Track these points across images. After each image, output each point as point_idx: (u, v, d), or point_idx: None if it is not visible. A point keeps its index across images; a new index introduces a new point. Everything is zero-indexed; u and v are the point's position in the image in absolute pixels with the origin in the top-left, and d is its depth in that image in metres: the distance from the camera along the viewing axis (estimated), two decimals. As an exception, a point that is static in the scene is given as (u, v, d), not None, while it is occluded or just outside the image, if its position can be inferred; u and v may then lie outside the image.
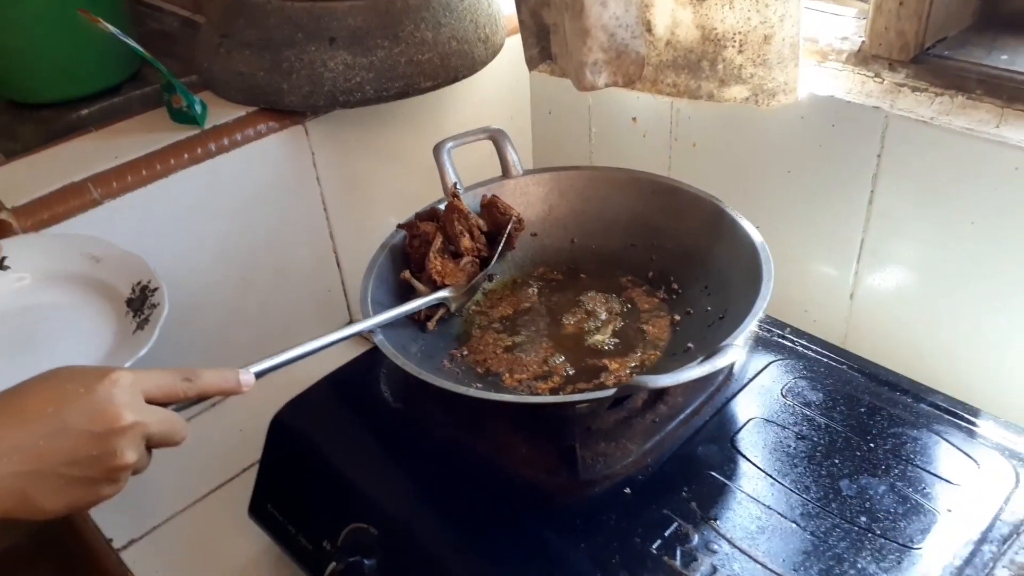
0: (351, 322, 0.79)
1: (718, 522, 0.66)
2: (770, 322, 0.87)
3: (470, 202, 0.89)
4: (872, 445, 0.71)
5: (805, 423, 0.74)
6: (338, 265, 1.13)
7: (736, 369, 0.81)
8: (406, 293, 0.84)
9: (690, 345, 0.80)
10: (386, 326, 0.77)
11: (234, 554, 0.86)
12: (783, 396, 0.77)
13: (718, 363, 0.65)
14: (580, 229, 0.94)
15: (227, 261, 1.01)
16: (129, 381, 0.56)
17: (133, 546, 0.89)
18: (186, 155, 0.94)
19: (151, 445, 0.58)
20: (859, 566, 0.62)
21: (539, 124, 1.27)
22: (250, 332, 1.07)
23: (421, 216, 0.89)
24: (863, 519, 0.65)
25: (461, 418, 0.77)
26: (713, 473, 0.70)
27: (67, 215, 0.87)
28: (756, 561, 0.63)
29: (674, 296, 0.88)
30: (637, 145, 1.11)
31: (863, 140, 0.87)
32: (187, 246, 0.97)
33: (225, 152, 0.96)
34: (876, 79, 0.89)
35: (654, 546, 0.64)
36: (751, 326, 0.70)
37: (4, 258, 0.82)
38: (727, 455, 0.72)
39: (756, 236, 0.80)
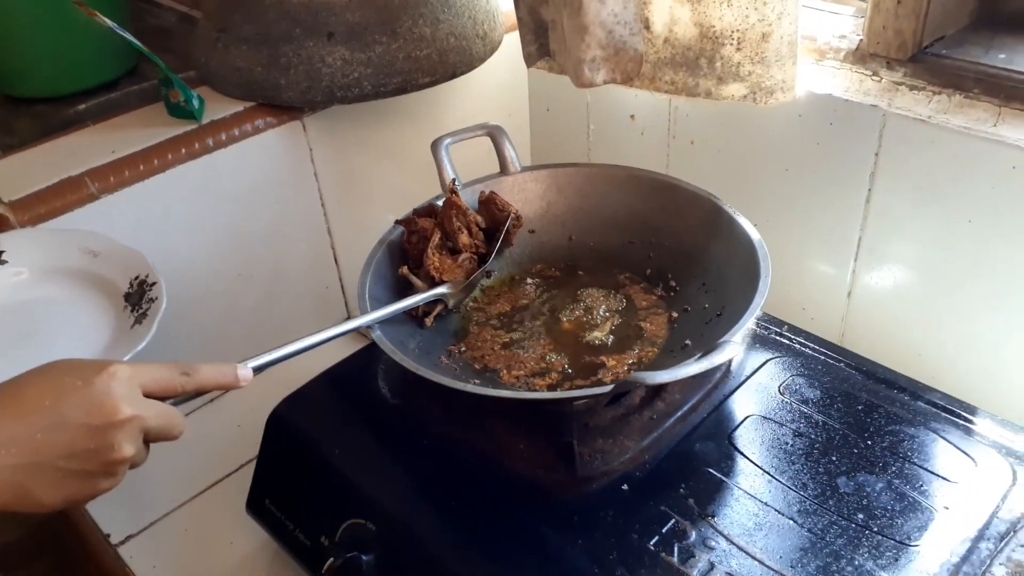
0: (349, 318, 0.79)
1: (715, 519, 0.66)
2: (768, 320, 0.87)
3: (468, 198, 0.89)
4: (869, 442, 0.72)
5: (803, 420, 0.74)
6: (336, 261, 1.13)
7: (734, 366, 0.81)
8: (404, 289, 0.84)
9: (688, 342, 0.80)
10: (384, 322, 0.77)
11: (232, 550, 0.86)
12: (781, 393, 0.77)
13: (715, 360, 0.65)
14: (578, 226, 0.94)
15: (224, 256, 1.01)
16: (127, 374, 0.56)
17: (131, 541, 0.89)
18: (183, 150, 0.94)
19: (149, 439, 0.58)
20: (856, 563, 0.62)
21: (537, 121, 1.27)
22: (247, 327, 1.07)
23: (419, 212, 0.89)
24: (860, 516, 0.65)
25: (459, 414, 0.77)
26: (711, 470, 0.70)
27: (64, 209, 0.87)
28: (753, 558, 0.63)
29: (672, 293, 0.88)
30: (635, 142, 1.11)
31: (861, 138, 0.87)
32: (184, 241, 0.97)
33: (223, 147, 0.96)
34: (874, 77, 0.89)
35: (651, 543, 0.64)
36: (749, 323, 0.70)
37: (2, 252, 0.82)
38: (725, 452, 0.72)
39: (754, 234, 0.80)
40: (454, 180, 0.89)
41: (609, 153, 1.17)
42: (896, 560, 0.62)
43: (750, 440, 0.73)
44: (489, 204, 0.90)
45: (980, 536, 0.64)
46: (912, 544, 0.63)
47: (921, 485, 0.68)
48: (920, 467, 0.69)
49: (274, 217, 1.04)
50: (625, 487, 0.69)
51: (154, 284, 0.79)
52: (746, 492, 0.68)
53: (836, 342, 0.85)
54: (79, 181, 0.88)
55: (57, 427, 0.53)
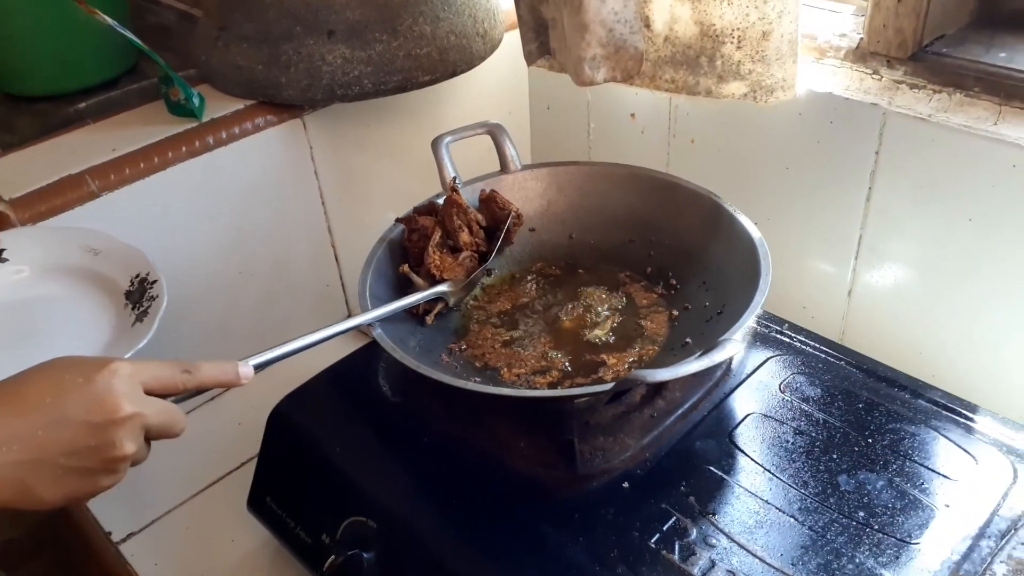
0: (349, 316, 0.79)
1: (716, 517, 0.66)
2: (768, 318, 0.87)
3: (468, 197, 0.89)
4: (870, 440, 0.72)
5: (803, 418, 0.74)
6: (336, 259, 1.13)
7: (734, 364, 0.81)
8: (404, 287, 0.84)
9: (688, 340, 0.80)
10: (384, 320, 0.77)
11: (233, 547, 0.86)
12: (781, 392, 0.77)
13: (716, 357, 0.65)
14: (578, 224, 0.94)
15: (225, 254, 1.01)
16: (128, 372, 0.56)
17: (132, 539, 0.89)
18: (184, 148, 0.94)
19: (150, 437, 0.58)
20: (857, 561, 0.62)
21: (537, 119, 1.27)
22: (248, 326, 1.07)
23: (419, 210, 0.89)
24: (861, 514, 0.65)
25: (459, 412, 0.77)
26: (711, 468, 0.70)
27: (65, 207, 0.87)
28: (754, 555, 0.63)
29: (672, 292, 0.88)
30: (635, 141, 1.11)
31: (861, 137, 0.87)
32: (185, 239, 0.97)
33: (223, 145, 0.96)
34: (874, 76, 0.89)
35: (652, 540, 0.64)
36: (749, 321, 0.70)
37: (3, 250, 0.82)
38: (725, 450, 0.72)
39: (754, 232, 0.80)
40: (455, 178, 0.89)
41: (609, 151, 1.17)
42: (897, 558, 0.62)
43: (751, 438, 0.73)
44: (490, 202, 0.90)
45: (981, 534, 0.64)
46: (913, 542, 0.63)
47: (922, 483, 0.68)
48: (921, 465, 0.69)
49: (274, 215, 1.04)
50: (626, 485, 0.69)
51: (155, 282, 0.79)
52: (747, 490, 0.68)
53: (837, 340, 0.85)
54: (79, 179, 0.88)
55: (58, 424, 0.53)
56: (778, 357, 0.81)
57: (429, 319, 0.84)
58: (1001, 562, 0.62)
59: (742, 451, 0.72)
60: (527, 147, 1.29)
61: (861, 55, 0.90)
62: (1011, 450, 0.71)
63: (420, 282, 0.84)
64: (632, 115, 1.10)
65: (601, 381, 0.78)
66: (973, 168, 0.80)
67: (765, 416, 0.75)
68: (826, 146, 0.91)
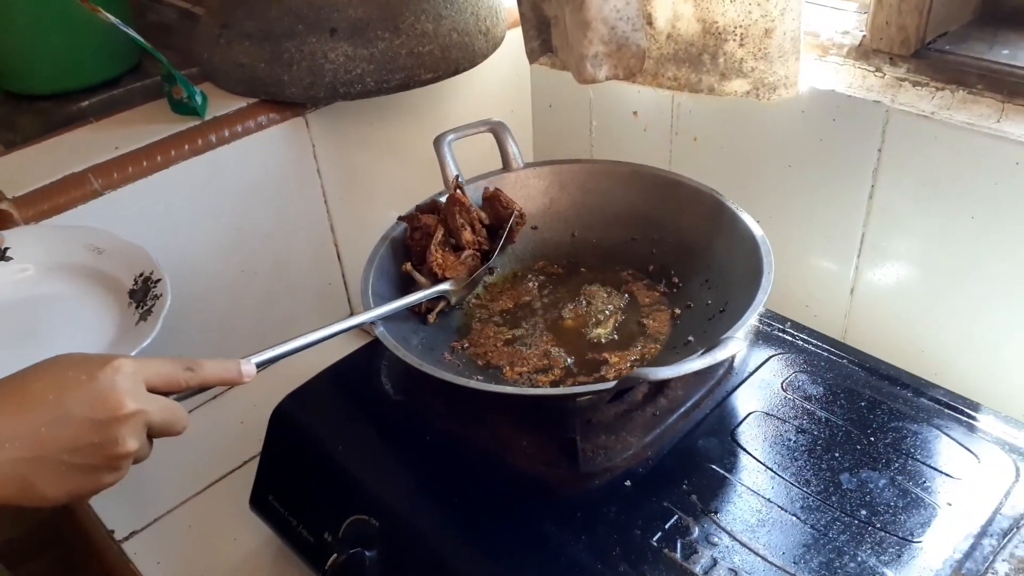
0: (351, 314, 0.79)
1: (718, 515, 0.66)
2: (770, 316, 0.87)
3: (471, 195, 0.89)
4: (872, 439, 0.72)
5: (805, 417, 0.74)
6: (338, 257, 1.13)
7: (736, 363, 0.81)
8: (406, 285, 0.84)
9: (690, 338, 0.80)
10: (387, 318, 0.77)
11: (235, 546, 0.86)
12: (783, 390, 0.77)
13: (719, 355, 0.65)
14: (581, 222, 0.94)
15: (227, 253, 1.01)
16: (131, 369, 0.56)
17: (134, 537, 0.89)
18: (187, 146, 0.94)
19: (152, 434, 0.58)
20: (859, 559, 0.62)
21: (540, 117, 1.27)
22: (250, 324, 1.07)
23: (422, 208, 0.89)
24: (863, 512, 0.65)
25: (462, 411, 0.77)
26: (713, 466, 0.70)
27: (68, 206, 0.87)
28: (756, 554, 0.63)
29: (674, 290, 0.88)
30: (638, 139, 1.11)
31: (864, 134, 0.87)
32: (187, 237, 0.97)
33: (226, 143, 0.96)
34: (877, 73, 0.89)
35: (654, 539, 0.64)
36: (751, 319, 0.70)
37: (7, 249, 0.82)
38: (727, 448, 0.72)
39: (757, 230, 0.80)
40: (457, 176, 0.89)
41: (611, 149, 1.17)
42: (899, 556, 0.62)
43: (753, 436, 0.73)
44: (493, 201, 0.90)
45: (983, 532, 0.64)
46: (915, 540, 0.63)
47: (924, 481, 0.68)
48: (923, 464, 0.69)
49: (277, 213, 1.04)
50: (628, 483, 0.69)
51: (159, 281, 0.79)
52: (749, 488, 0.68)
53: (839, 339, 0.85)
54: (82, 177, 0.88)
55: (61, 421, 0.53)
56: (780, 355, 0.81)
57: (431, 317, 0.84)
58: (1003, 560, 0.62)
59: (744, 449, 0.71)
60: (529, 145, 1.29)
61: (864, 52, 0.90)
62: (1013, 448, 0.70)
63: (422, 280, 0.84)
64: (634, 113, 1.10)
65: (603, 379, 0.78)
66: (976, 166, 0.80)
67: (767, 414, 0.75)
68: (829, 144, 0.91)
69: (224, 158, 0.96)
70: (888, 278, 0.92)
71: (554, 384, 0.78)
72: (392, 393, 0.81)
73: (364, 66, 0.97)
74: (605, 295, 0.88)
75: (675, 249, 0.89)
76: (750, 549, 0.63)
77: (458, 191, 0.87)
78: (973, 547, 0.63)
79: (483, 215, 0.89)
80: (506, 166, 0.94)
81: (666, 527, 0.65)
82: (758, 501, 0.67)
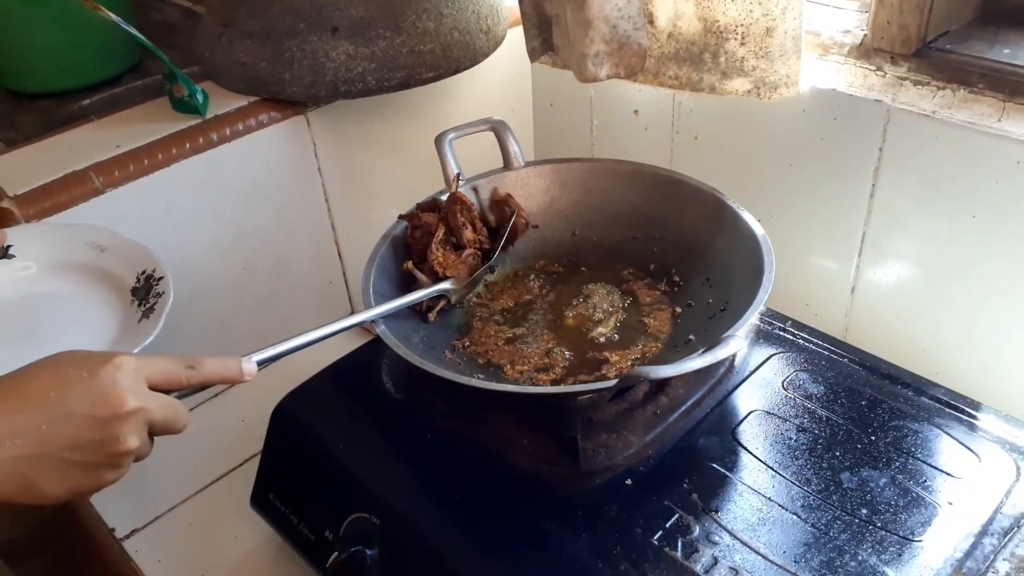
0: (352, 313, 0.79)
1: (719, 514, 0.66)
2: (771, 315, 0.87)
3: (472, 194, 0.89)
4: (873, 438, 0.72)
5: (806, 416, 0.74)
6: (339, 256, 1.13)
7: (737, 362, 0.81)
8: (407, 284, 0.84)
9: (691, 337, 0.80)
10: (388, 317, 0.77)
11: (236, 544, 0.87)
12: (784, 389, 0.77)
13: (719, 354, 0.65)
14: (581, 221, 0.94)
15: (228, 251, 1.01)
16: (132, 366, 0.56)
17: (135, 535, 0.89)
18: (188, 144, 0.94)
19: (153, 432, 0.58)
20: (860, 558, 0.62)
21: (541, 116, 1.27)
22: (251, 322, 1.07)
23: (422, 207, 0.89)
24: (864, 511, 0.65)
25: (463, 409, 0.77)
26: (714, 465, 0.70)
27: (69, 204, 0.87)
28: (757, 553, 0.63)
29: (675, 289, 0.88)
30: (639, 138, 1.11)
31: (865, 133, 0.87)
32: (188, 236, 0.97)
33: (227, 142, 0.96)
34: (878, 72, 0.89)
35: (655, 537, 0.64)
36: (752, 318, 0.70)
37: (9, 247, 0.82)
38: (728, 447, 0.72)
39: (758, 228, 0.80)
40: (458, 175, 0.89)
41: (612, 148, 1.17)
42: (900, 555, 0.62)
43: (754, 435, 0.73)
44: (503, 205, 0.90)
45: (984, 531, 0.64)
46: (916, 539, 0.63)
47: (925, 480, 0.68)
48: (924, 463, 0.69)
49: (278, 212, 1.04)
50: (629, 482, 0.69)
51: (161, 279, 0.79)
52: (750, 487, 0.68)
53: (840, 338, 0.85)
54: (84, 175, 0.88)
55: (62, 419, 0.53)
56: (781, 354, 0.81)
57: (432, 316, 0.84)
58: (1004, 559, 0.62)
59: (745, 448, 0.72)
60: (530, 144, 1.29)
61: (865, 51, 0.90)
62: (1014, 447, 0.70)
63: (423, 279, 0.84)
64: (635, 112, 1.10)
65: (604, 378, 0.78)
66: (977, 165, 0.80)
67: (768, 413, 0.75)
68: (830, 143, 0.91)
69: (225, 156, 0.96)
70: (889, 277, 0.92)
71: (555, 383, 0.78)
72: (393, 391, 0.81)
73: (365, 65, 0.97)
74: (606, 294, 0.88)
75: (676, 248, 0.89)
76: (751, 548, 0.63)
77: (458, 189, 0.87)
78: (974, 546, 0.63)
79: (490, 217, 0.89)
80: (507, 165, 0.94)
81: (667, 526, 0.65)
82: (759, 500, 0.67)
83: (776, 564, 0.62)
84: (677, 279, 0.88)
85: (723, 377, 0.79)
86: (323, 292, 1.14)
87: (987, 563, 0.62)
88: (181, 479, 0.94)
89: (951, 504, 0.66)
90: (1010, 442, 0.71)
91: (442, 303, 0.84)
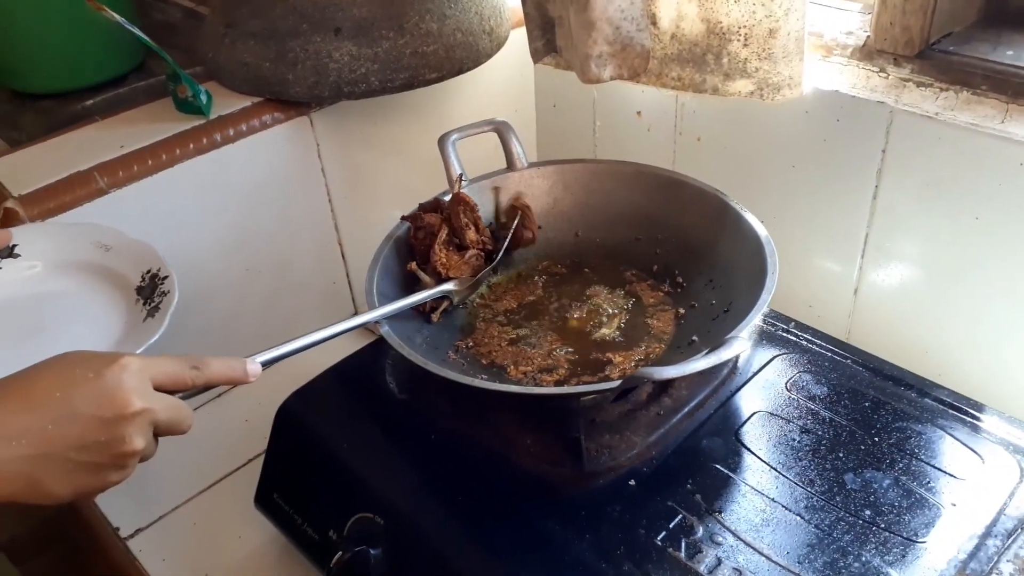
0: (355, 313, 0.79)
1: (723, 514, 0.66)
2: (774, 317, 0.87)
3: (476, 194, 0.89)
4: (876, 439, 0.72)
5: (809, 417, 0.74)
6: (342, 256, 1.13)
7: (740, 363, 0.81)
8: (410, 285, 0.84)
9: (694, 338, 0.80)
10: (391, 317, 0.77)
11: (240, 543, 0.87)
12: (787, 390, 0.77)
13: (723, 355, 0.65)
14: (584, 222, 0.94)
15: (232, 251, 1.01)
16: (138, 367, 0.56)
17: (140, 535, 0.89)
18: (192, 145, 0.94)
19: (158, 433, 0.59)
20: (863, 559, 0.62)
21: (543, 117, 1.27)
22: (254, 323, 1.07)
23: (425, 208, 0.89)
24: (867, 512, 0.65)
25: (466, 409, 0.77)
26: (718, 466, 0.70)
27: (74, 204, 0.87)
28: (761, 553, 0.63)
29: (678, 290, 0.88)
30: (641, 139, 1.11)
31: (868, 135, 0.87)
32: (192, 236, 0.97)
33: (230, 142, 0.96)
34: (881, 74, 0.89)
35: (659, 538, 0.64)
36: (756, 319, 0.70)
37: (15, 246, 0.82)
38: (732, 448, 0.72)
39: (761, 230, 0.80)
40: (461, 175, 0.89)
41: (615, 149, 1.17)
42: (903, 556, 0.62)
43: (757, 436, 0.73)
44: (514, 211, 0.90)
45: (987, 533, 0.64)
46: (919, 541, 0.63)
47: (928, 482, 0.68)
48: (927, 464, 0.69)
49: (281, 212, 1.04)
50: (632, 483, 0.69)
51: (166, 278, 0.79)
52: (753, 488, 0.68)
53: (843, 339, 0.85)
54: (88, 176, 0.89)
55: (68, 419, 0.53)
56: (784, 355, 0.81)
57: (435, 317, 0.84)
58: (1008, 561, 0.62)
59: (748, 449, 0.72)
60: (533, 145, 1.29)
61: (868, 53, 0.90)
62: (1018, 449, 0.71)
63: (427, 280, 0.84)
64: (638, 113, 1.10)
65: (607, 379, 0.78)
66: (980, 166, 0.80)
67: (771, 414, 0.75)
68: (832, 144, 0.91)
69: (229, 157, 0.96)
70: (892, 278, 0.92)
71: (558, 383, 0.78)
72: (396, 392, 0.81)
73: (368, 65, 0.97)
74: (609, 295, 0.88)
75: (679, 249, 0.89)
76: (754, 549, 0.63)
77: (461, 191, 0.87)
78: (977, 547, 0.63)
79: (502, 218, 0.90)
80: (510, 166, 0.94)
81: (670, 526, 0.65)
82: (762, 501, 0.67)
83: (780, 565, 0.62)
84: (680, 280, 0.88)
85: (726, 378, 0.79)
86: (326, 292, 1.14)
87: (991, 564, 0.62)
88: (185, 479, 0.94)
89: (954, 505, 0.66)
90: (1013, 443, 0.71)
91: (445, 304, 0.85)
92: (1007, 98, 0.81)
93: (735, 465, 0.70)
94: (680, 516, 0.66)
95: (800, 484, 0.68)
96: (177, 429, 0.59)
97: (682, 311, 0.85)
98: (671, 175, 0.91)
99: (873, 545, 0.63)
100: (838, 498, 0.67)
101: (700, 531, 0.65)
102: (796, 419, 0.74)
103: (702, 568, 0.62)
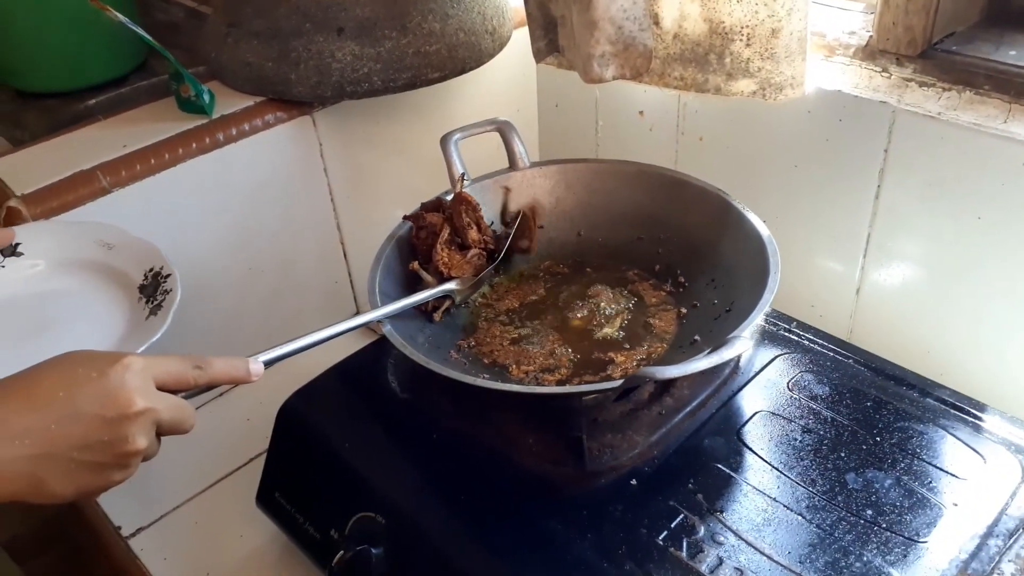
0: (357, 313, 0.79)
1: (724, 514, 0.66)
2: (776, 316, 0.87)
3: (477, 194, 0.89)
4: (878, 439, 0.72)
5: (811, 416, 0.74)
6: (344, 256, 1.14)
7: (742, 362, 0.81)
8: (412, 284, 0.84)
9: (697, 338, 0.80)
10: (393, 317, 0.77)
11: (241, 542, 0.87)
12: (789, 390, 0.77)
13: (725, 354, 0.65)
14: (587, 222, 0.94)
15: (234, 251, 1.02)
16: (141, 366, 0.56)
17: (141, 534, 0.89)
18: (194, 144, 0.94)
19: (161, 432, 0.59)
20: (865, 559, 0.62)
21: (546, 117, 1.27)
22: (256, 322, 1.07)
23: (427, 207, 0.89)
24: (869, 512, 0.65)
25: (468, 409, 0.77)
26: (719, 465, 0.70)
27: (76, 203, 0.87)
28: (762, 553, 0.63)
29: (681, 289, 0.88)
30: (644, 139, 1.11)
31: (870, 135, 0.87)
32: (194, 235, 0.97)
33: (233, 142, 0.96)
34: (883, 74, 0.89)
35: (660, 537, 0.64)
36: (758, 319, 0.70)
37: (18, 244, 0.82)
38: (733, 448, 0.72)
39: (763, 230, 0.80)
40: (463, 175, 0.89)
41: (617, 149, 1.17)
42: (905, 556, 0.62)
43: (759, 436, 0.73)
44: (519, 215, 0.90)
45: (989, 533, 0.64)
46: (921, 540, 0.63)
47: (930, 482, 0.68)
48: (929, 464, 0.69)
49: (284, 212, 1.04)
50: (634, 482, 0.69)
51: (168, 276, 0.79)
52: (755, 488, 0.68)
53: (845, 339, 0.85)
54: (91, 175, 0.89)
55: (71, 418, 0.53)
56: (786, 355, 0.81)
57: (437, 316, 0.84)
58: (1009, 561, 0.62)
59: (750, 449, 0.72)
60: (535, 144, 1.29)
61: (870, 53, 0.90)
62: (1019, 449, 0.70)
63: (430, 279, 0.84)
64: (640, 113, 1.10)
65: (610, 378, 0.78)
66: (982, 166, 0.80)
67: (773, 414, 0.75)
68: (835, 144, 0.91)
69: (231, 156, 0.97)
70: (894, 278, 0.92)
71: (560, 383, 0.78)
72: (398, 391, 0.81)
73: (371, 65, 0.97)
74: (611, 294, 0.88)
75: (681, 249, 0.89)
76: (756, 548, 0.63)
77: (463, 190, 0.87)
78: (979, 547, 0.63)
79: (507, 217, 0.91)
80: (512, 165, 0.94)
81: (672, 526, 0.65)
82: (764, 500, 0.67)
83: (781, 564, 0.62)
84: (682, 280, 0.88)
85: (728, 378, 0.79)
86: (328, 292, 1.14)
87: (992, 564, 0.62)
88: (187, 478, 0.94)
89: (956, 505, 0.66)
90: (1015, 444, 0.71)
91: (447, 303, 0.85)
92: (1010, 98, 0.81)
93: (737, 465, 0.70)
94: (682, 516, 0.66)
95: (802, 484, 0.68)
96: (180, 429, 0.59)
97: (684, 311, 0.85)
98: (673, 175, 0.91)
99: (875, 545, 0.63)
100: (840, 498, 0.67)
101: (702, 531, 0.65)
102: (798, 419, 0.74)
103: (703, 568, 0.62)
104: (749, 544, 0.64)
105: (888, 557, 0.62)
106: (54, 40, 1.18)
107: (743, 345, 0.66)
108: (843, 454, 0.71)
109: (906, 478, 0.68)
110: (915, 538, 0.63)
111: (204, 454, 0.96)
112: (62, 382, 0.54)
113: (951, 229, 0.85)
